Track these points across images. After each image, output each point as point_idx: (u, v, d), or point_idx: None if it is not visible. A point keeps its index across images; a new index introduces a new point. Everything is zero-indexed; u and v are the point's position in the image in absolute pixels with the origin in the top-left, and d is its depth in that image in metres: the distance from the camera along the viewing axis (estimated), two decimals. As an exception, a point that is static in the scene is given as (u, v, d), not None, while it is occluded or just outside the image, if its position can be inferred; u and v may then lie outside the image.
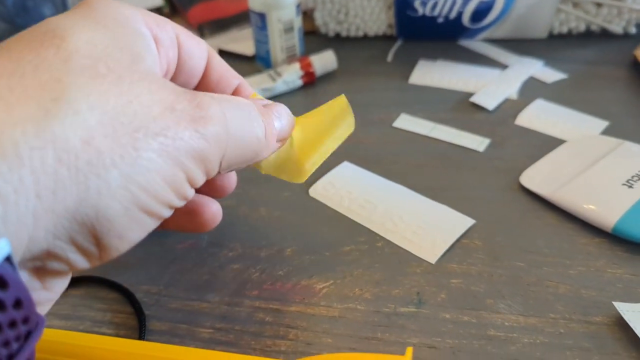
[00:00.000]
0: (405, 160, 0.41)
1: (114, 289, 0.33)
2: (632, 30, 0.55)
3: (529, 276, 0.32)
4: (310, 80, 0.51)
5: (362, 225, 0.36)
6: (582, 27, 0.56)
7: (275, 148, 0.27)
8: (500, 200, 0.37)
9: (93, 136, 0.18)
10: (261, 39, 0.52)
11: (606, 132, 0.43)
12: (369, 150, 0.43)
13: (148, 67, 0.21)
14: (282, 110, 0.28)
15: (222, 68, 0.28)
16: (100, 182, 0.18)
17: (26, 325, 0.17)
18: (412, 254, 0.33)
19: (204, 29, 0.61)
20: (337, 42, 0.60)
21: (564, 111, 0.45)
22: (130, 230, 0.20)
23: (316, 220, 0.37)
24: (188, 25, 0.64)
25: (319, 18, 0.58)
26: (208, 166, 0.22)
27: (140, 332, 0.30)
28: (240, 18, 0.62)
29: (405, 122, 0.46)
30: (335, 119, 0.31)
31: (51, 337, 0.27)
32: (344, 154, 0.41)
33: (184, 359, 0.26)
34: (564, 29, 0.56)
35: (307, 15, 0.62)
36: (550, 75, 0.51)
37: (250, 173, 0.40)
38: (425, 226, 0.35)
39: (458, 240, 0.34)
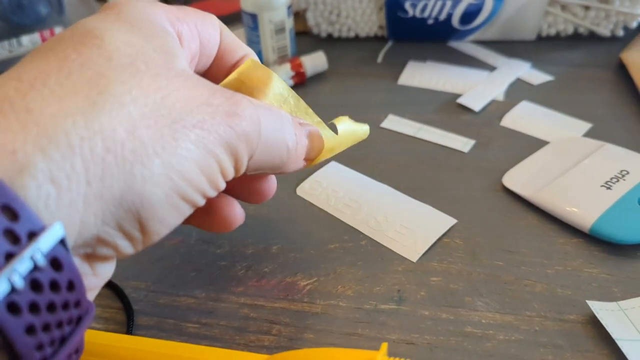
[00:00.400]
0: (391, 161, 0.42)
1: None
2: (620, 32, 0.56)
3: (507, 275, 0.32)
4: (301, 81, 0.52)
5: (347, 224, 0.37)
6: (570, 30, 0.56)
7: (301, 164, 0.28)
8: (483, 200, 0.38)
9: (137, 127, 0.19)
10: (253, 39, 0.52)
11: (589, 133, 0.43)
12: (356, 150, 0.43)
13: (182, 65, 0.23)
14: (314, 131, 0.29)
15: (233, 39, 0.29)
16: (144, 170, 0.19)
17: (77, 309, 0.19)
18: (394, 252, 0.34)
19: (197, 29, 0.62)
20: (329, 42, 0.60)
21: (549, 113, 0.46)
22: (170, 215, 0.21)
23: (302, 219, 0.37)
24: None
25: (311, 19, 0.59)
26: (238, 162, 0.23)
27: (128, 326, 0.31)
28: (234, 18, 0.63)
29: (393, 122, 0.46)
30: (353, 139, 0.32)
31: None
32: (331, 153, 0.42)
33: (169, 352, 0.27)
34: (552, 32, 0.57)
35: (299, 16, 0.62)
36: (537, 77, 0.51)
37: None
38: (408, 225, 0.36)
39: (440, 239, 0.35)
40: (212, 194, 0.23)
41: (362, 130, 0.32)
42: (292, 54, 0.55)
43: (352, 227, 0.36)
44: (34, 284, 0.17)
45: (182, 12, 0.26)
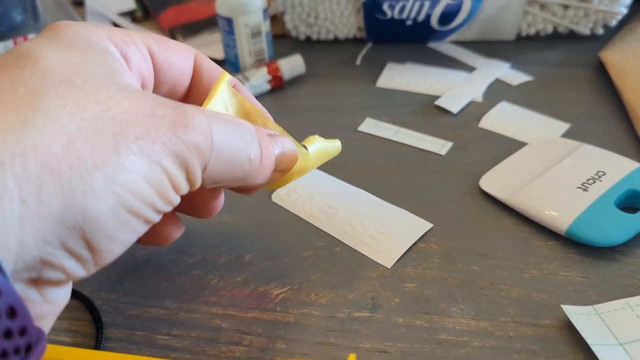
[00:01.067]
0: (368, 165, 0.42)
1: (72, 296, 0.33)
2: (599, 31, 0.56)
3: (482, 280, 0.32)
4: (278, 84, 0.52)
5: (323, 231, 0.36)
6: (549, 29, 0.56)
7: (268, 176, 0.27)
8: (459, 203, 0.37)
9: (73, 141, 0.19)
10: (229, 43, 0.52)
11: (567, 134, 0.43)
12: (333, 154, 0.43)
13: (125, 81, 0.22)
14: (286, 142, 0.28)
15: (212, 72, 0.29)
16: (84, 185, 0.18)
17: (24, 337, 0.18)
18: (369, 258, 0.34)
19: (175, 33, 0.61)
20: (308, 45, 0.60)
21: (527, 114, 0.46)
22: (119, 231, 0.20)
23: (277, 226, 0.37)
24: (160, 28, 0.64)
25: (289, 22, 0.58)
26: (190, 173, 0.22)
27: (97, 340, 0.30)
28: (211, 22, 0.62)
29: (370, 126, 0.46)
30: (325, 156, 0.32)
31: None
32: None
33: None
34: (532, 31, 0.56)
35: (277, 19, 0.62)
36: (516, 77, 0.51)
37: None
38: (384, 230, 0.35)
39: (415, 244, 0.34)
40: (165, 208, 0.22)
41: (333, 147, 0.32)
42: (270, 57, 0.54)
43: (327, 234, 0.36)
44: None
45: (132, 35, 0.25)
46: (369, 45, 0.59)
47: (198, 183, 0.23)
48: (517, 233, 0.35)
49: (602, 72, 0.51)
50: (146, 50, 0.26)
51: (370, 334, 0.29)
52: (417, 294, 0.31)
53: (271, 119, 0.29)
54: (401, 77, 0.52)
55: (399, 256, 0.34)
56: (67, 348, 0.28)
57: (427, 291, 0.32)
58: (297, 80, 0.54)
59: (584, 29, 0.56)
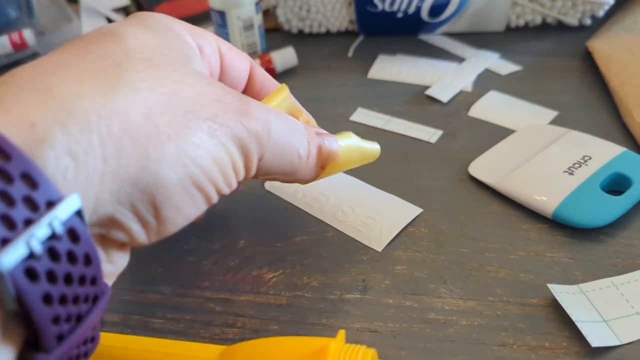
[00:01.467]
0: (359, 153, 0.42)
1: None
2: (587, 21, 0.57)
3: (471, 262, 0.33)
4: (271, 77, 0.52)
5: (314, 217, 0.37)
6: (538, 20, 0.57)
7: (314, 173, 0.29)
8: (449, 189, 0.38)
9: (152, 113, 0.20)
10: (222, 36, 0.52)
11: (555, 121, 0.44)
12: (325, 143, 0.44)
13: (197, 67, 0.24)
14: (332, 141, 0.30)
15: (264, 78, 0.31)
16: (158, 153, 0.20)
17: (94, 287, 0.19)
18: (360, 242, 0.34)
19: (169, 28, 0.62)
20: (300, 38, 0.61)
21: (516, 102, 0.47)
22: (184, 203, 0.22)
23: (270, 213, 0.38)
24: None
25: (281, 15, 0.59)
26: (248, 159, 0.24)
27: (92, 324, 0.31)
28: (205, 16, 0.63)
29: (362, 115, 0.47)
30: (361, 158, 0.33)
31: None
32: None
33: (131, 346, 0.27)
34: (521, 22, 0.57)
35: (270, 13, 0.62)
36: (506, 67, 0.52)
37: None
38: (374, 216, 0.36)
39: (405, 228, 0.35)
40: (224, 189, 0.23)
41: (371, 148, 0.33)
42: (262, 50, 0.55)
43: (319, 220, 0.36)
44: (52, 252, 0.17)
45: (206, 32, 0.28)
46: (361, 37, 0.59)
47: (253, 171, 0.25)
48: (505, 217, 0.36)
49: (589, 61, 0.51)
50: (216, 48, 0.28)
51: (361, 315, 0.30)
52: (407, 276, 0.32)
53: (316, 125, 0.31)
54: (392, 68, 0.53)
55: (389, 240, 0.34)
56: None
57: (416, 273, 0.32)
58: (289, 72, 0.54)
59: (572, 20, 0.56)
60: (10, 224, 0.16)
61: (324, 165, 0.30)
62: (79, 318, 0.18)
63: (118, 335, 0.28)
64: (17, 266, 0.16)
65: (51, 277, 0.17)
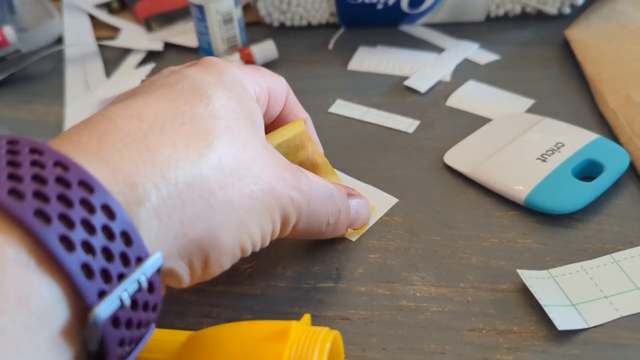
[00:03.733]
0: (337, 144, 0.42)
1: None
2: (567, 10, 0.57)
3: (444, 249, 0.33)
4: (251, 70, 0.52)
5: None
6: (517, 10, 0.57)
7: (340, 234, 0.33)
8: (424, 178, 0.38)
9: (226, 182, 0.23)
10: (201, 30, 0.53)
11: (532, 109, 0.44)
12: (303, 135, 0.44)
13: (262, 134, 0.27)
14: (362, 204, 0.34)
15: (293, 104, 0.34)
16: (223, 220, 0.23)
17: (147, 328, 0.21)
18: (335, 232, 0.35)
19: (151, 23, 0.62)
20: (282, 31, 0.61)
21: (494, 91, 0.47)
22: (227, 261, 0.24)
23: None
24: (136, 18, 0.65)
25: (262, 9, 0.59)
26: (285, 229, 0.27)
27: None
28: (186, 11, 0.63)
29: (340, 107, 0.47)
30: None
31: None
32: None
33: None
34: (501, 12, 0.57)
35: (251, 6, 0.62)
36: (485, 57, 0.52)
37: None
38: (350, 206, 0.36)
39: (380, 218, 0.35)
40: (257, 249, 0.26)
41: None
42: (243, 43, 0.55)
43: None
44: (133, 302, 0.19)
45: (256, 74, 0.30)
46: (341, 30, 0.59)
47: (284, 235, 0.28)
48: (479, 205, 0.36)
49: (568, 50, 0.52)
50: (265, 87, 0.30)
51: (334, 303, 0.30)
52: (380, 264, 0.33)
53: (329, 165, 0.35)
54: (372, 59, 0.53)
55: (365, 230, 0.35)
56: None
57: (389, 261, 0.33)
58: (270, 65, 0.54)
59: (551, 9, 0.56)
60: (107, 278, 0.18)
61: (351, 227, 0.34)
62: (126, 355, 0.20)
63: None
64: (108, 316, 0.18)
65: (129, 324, 0.19)
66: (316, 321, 0.29)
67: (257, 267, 0.33)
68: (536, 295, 0.29)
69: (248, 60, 0.52)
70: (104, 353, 0.18)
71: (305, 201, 0.27)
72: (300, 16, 0.60)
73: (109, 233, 0.18)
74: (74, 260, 0.17)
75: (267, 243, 0.26)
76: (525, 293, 0.30)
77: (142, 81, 0.27)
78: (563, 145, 0.37)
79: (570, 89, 0.46)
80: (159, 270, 0.20)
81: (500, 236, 0.34)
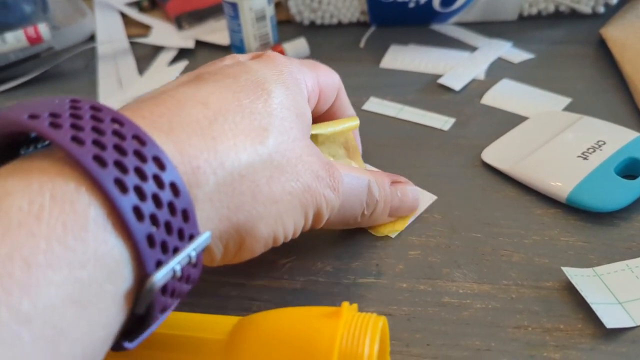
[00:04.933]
0: (372, 141, 0.42)
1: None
2: (601, 9, 0.56)
3: (484, 246, 0.33)
4: (283, 67, 0.52)
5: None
6: (551, 8, 0.57)
7: (383, 221, 0.34)
8: (462, 176, 0.38)
9: (272, 177, 0.24)
10: (234, 28, 0.53)
11: (568, 108, 0.44)
12: (337, 132, 0.44)
13: (308, 133, 0.29)
14: (407, 190, 0.35)
15: (343, 100, 0.36)
16: (263, 211, 0.24)
17: (180, 297, 0.22)
18: (373, 228, 0.35)
19: (181, 21, 0.62)
20: (312, 30, 0.61)
21: (529, 90, 0.46)
22: (259, 248, 0.26)
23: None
24: (166, 17, 0.65)
25: (293, 7, 0.59)
26: (317, 223, 0.28)
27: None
28: (217, 9, 0.63)
29: (374, 105, 0.47)
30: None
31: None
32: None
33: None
34: (534, 11, 0.57)
35: (281, 5, 0.62)
36: (518, 55, 0.52)
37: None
38: (388, 202, 0.36)
39: (419, 215, 0.35)
40: (287, 240, 0.27)
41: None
42: (274, 41, 0.55)
43: (332, 206, 0.37)
44: (181, 275, 0.20)
45: (313, 72, 0.31)
46: (373, 28, 0.59)
47: (318, 228, 0.29)
48: (518, 202, 0.36)
49: (603, 48, 0.51)
50: (316, 82, 0.31)
51: (375, 298, 0.30)
52: (421, 260, 0.32)
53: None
54: (404, 58, 0.53)
55: (404, 227, 0.34)
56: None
57: (430, 258, 0.32)
58: (301, 63, 0.54)
59: (585, 8, 0.56)
60: (165, 249, 0.19)
61: (396, 215, 0.34)
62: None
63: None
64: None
65: (173, 293, 0.20)
66: (358, 316, 0.29)
67: (296, 262, 0.33)
68: (582, 293, 0.28)
69: (280, 57, 0.52)
70: (148, 316, 0.20)
71: (338, 198, 0.28)
72: (331, 14, 0.60)
73: (172, 209, 0.19)
74: (142, 229, 0.18)
75: (297, 235, 0.28)
76: (570, 291, 0.30)
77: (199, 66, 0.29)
78: (604, 143, 0.37)
79: (607, 87, 0.46)
80: (204, 248, 0.21)
81: (542, 234, 0.33)
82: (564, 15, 0.58)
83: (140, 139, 0.19)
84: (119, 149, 0.19)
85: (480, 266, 0.32)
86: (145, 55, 0.59)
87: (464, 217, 0.35)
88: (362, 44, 0.57)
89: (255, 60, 0.29)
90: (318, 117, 0.35)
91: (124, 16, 0.67)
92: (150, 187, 0.19)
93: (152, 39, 0.61)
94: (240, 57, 0.30)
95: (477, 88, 0.48)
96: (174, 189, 0.20)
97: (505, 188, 0.37)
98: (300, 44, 0.53)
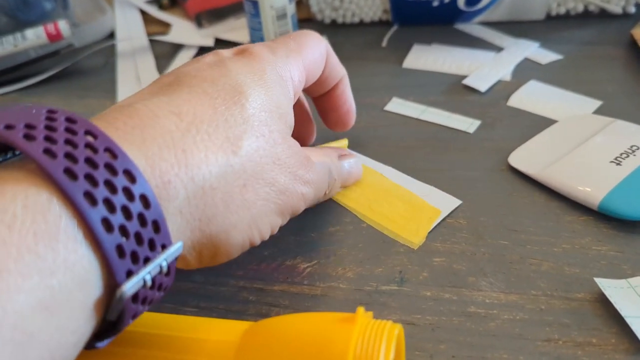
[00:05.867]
0: (395, 143, 0.41)
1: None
2: (632, 9, 0.54)
3: (512, 254, 0.32)
4: (304, 66, 0.52)
5: (349, 207, 0.36)
6: (580, 8, 0.55)
7: (336, 192, 0.36)
8: (488, 180, 0.37)
9: (247, 184, 0.25)
10: (255, 26, 0.52)
11: (599, 111, 0.42)
12: (359, 133, 0.43)
13: (290, 132, 0.28)
14: (352, 163, 0.36)
15: (334, 64, 0.35)
16: (237, 220, 0.25)
17: (152, 304, 0.22)
18: (396, 234, 0.33)
19: (201, 19, 0.61)
20: (333, 28, 0.60)
21: (557, 92, 0.45)
22: (235, 252, 0.26)
23: (304, 203, 0.37)
24: (186, 15, 0.64)
25: (314, 5, 0.58)
26: (292, 216, 0.29)
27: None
28: (237, 7, 0.62)
29: (397, 105, 0.46)
30: None
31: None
32: (334, 136, 0.42)
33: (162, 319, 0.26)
34: (562, 10, 0.55)
35: (302, 3, 0.62)
36: (546, 56, 0.50)
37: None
38: (411, 207, 0.35)
39: (443, 219, 0.34)
40: (265, 239, 0.28)
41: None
42: (295, 40, 0.54)
43: (354, 210, 0.36)
44: (152, 284, 0.21)
45: (300, 56, 0.31)
46: (395, 27, 0.58)
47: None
48: (547, 209, 0.34)
49: (634, 49, 0.49)
50: (304, 71, 0.31)
51: (398, 307, 0.29)
52: (446, 268, 0.31)
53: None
54: (428, 57, 0.52)
55: (427, 232, 0.33)
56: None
57: (455, 265, 0.31)
58: (322, 62, 0.53)
59: (615, 8, 0.54)
60: (135, 259, 0.20)
61: (344, 186, 0.36)
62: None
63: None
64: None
65: (144, 300, 0.21)
66: (380, 325, 0.28)
67: (317, 267, 0.32)
68: (616, 306, 0.27)
69: (301, 56, 0.51)
70: (118, 323, 0.21)
71: (314, 190, 0.29)
72: (353, 13, 0.59)
73: (142, 220, 0.20)
74: (111, 240, 0.19)
75: (276, 232, 0.28)
76: (602, 303, 0.28)
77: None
78: (638, 148, 0.35)
79: (639, 90, 0.44)
80: (176, 258, 0.22)
81: (572, 242, 0.32)
82: (593, 15, 0.56)
83: (112, 151, 0.20)
84: (90, 162, 0.19)
85: (507, 275, 0.30)
86: (164, 54, 0.58)
87: (490, 223, 0.34)
88: (384, 44, 0.56)
89: (237, 59, 0.28)
90: (310, 87, 0.35)
91: (143, 14, 0.66)
92: (119, 199, 0.19)
93: (172, 37, 0.61)
94: (224, 53, 0.29)
95: (503, 89, 0.46)
96: (145, 201, 0.20)
97: (533, 193, 0.35)
98: (321, 43, 0.52)
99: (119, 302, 0.19)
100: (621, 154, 0.35)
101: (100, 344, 0.21)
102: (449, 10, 0.55)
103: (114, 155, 0.20)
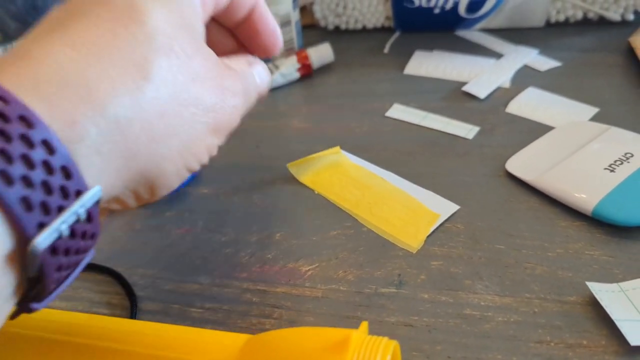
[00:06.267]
0: (395, 148, 0.42)
1: (109, 273, 0.35)
2: (630, 17, 0.55)
3: (507, 258, 0.33)
4: (307, 73, 0.53)
5: (350, 211, 0.37)
6: (579, 15, 0.56)
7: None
8: (485, 186, 0.38)
9: (166, 110, 0.22)
10: (259, 32, 0.53)
11: (596, 118, 0.43)
12: (360, 138, 0.44)
13: (203, 41, 0.25)
14: (262, 71, 0.31)
15: (264, 10, 0.31)
16: (165, 150, 0.23)
17: (86, 253, 0.22)
18: (395, 238, 0.34)
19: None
20: (336, 35, 0.61)
21: (555, 98, 0.46)
22: (175, 183, 0.24)
23: (306, 207, 0.38)
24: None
25: (318, 12, 0.59)
26: (229, 132, 0.27)
27: (132, 312, 0.31)
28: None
29: (398, 111, 0.47)
30: None
31: (52, 317, 0.29)
32: (336, 142, 0.43)
33: (163, 334, 0.27)
34: (561, 18, 0.56)
35: (306, 9, 0.63)
36: (545, 63, 0.51)
37: (248, 163, 0.42)
38: (410, 212, 0.36)
39: (441, 224, 0.35)
40: (206, 163, 0.26)
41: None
42: (299, 46, 0.55)
43: (354, 214, 0.37)
44: (72, 232, 0.20)
45: None
46: (397, 33, 0.59)
47: None
48: (542, 214, 0.35)
49: (632, 57, 0.50)
50: None
51: (396, 309, 0.30)
52: (443, 271, 0.32)
53: None
54: (429, 64, 0.53)
55: (426, 236, 0.34)
56: (105, 317, 0.29)
57: (452, 269, 0.32)
58: (326, 68, 0.54)
59: (614, 15, 0.55)
60: (47, 210, 0.18)
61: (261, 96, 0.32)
62: (74, 269, 0.22)
63: (148, 323, 0.29)
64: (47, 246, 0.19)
65: (67, 252, 0.20)
66: (379, 327, 0.29)
67: (318, 270, 0.33)
68: (607, 309, 0.28)
69: (304, 62, 0.52)
70: (42, 277, 0.19)
71: (243, 100, 0.27)
72: (356, 19, 0.60)
73: (48, 168, 0.18)
74: (13, 194, 0.18)
75: (216, 152, 0.26)
76: (594, 306, 0.29)
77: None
78: (632, 155, 0.36)
79: (636, 97, 0.45)
80: (97, 202, 0.20)
81: (566, 247, 0.33)
82: (592, 22, 0.57)
83: (3, 98, 0.18)
84: None
85: (502, 278, 0.31)
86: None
87: (486, 228, 0.35)
88: (386, 50, 0.57)
89: None
90: (236, 28, 0.30)
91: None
92: (16, 148, 0.18)
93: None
94: None
95: (502, 96, 0.47)
96: (47, 146, 0.18)
97: (529, 199, 0.36)
98: (324, 49, 0.53)
99: (34, 258, 0.18)
100: (615, 161, 0.36)
101: (38, 305, 0.20)
102: (450, 17, 0.56)
103: (6, 101, 0.18)
